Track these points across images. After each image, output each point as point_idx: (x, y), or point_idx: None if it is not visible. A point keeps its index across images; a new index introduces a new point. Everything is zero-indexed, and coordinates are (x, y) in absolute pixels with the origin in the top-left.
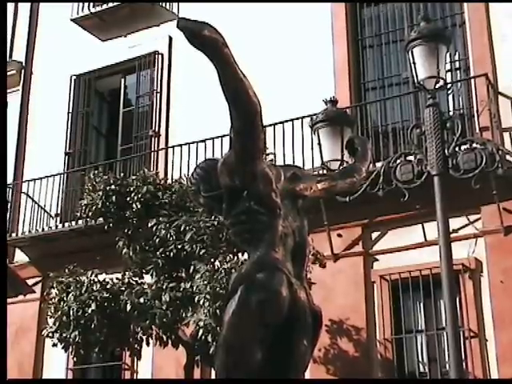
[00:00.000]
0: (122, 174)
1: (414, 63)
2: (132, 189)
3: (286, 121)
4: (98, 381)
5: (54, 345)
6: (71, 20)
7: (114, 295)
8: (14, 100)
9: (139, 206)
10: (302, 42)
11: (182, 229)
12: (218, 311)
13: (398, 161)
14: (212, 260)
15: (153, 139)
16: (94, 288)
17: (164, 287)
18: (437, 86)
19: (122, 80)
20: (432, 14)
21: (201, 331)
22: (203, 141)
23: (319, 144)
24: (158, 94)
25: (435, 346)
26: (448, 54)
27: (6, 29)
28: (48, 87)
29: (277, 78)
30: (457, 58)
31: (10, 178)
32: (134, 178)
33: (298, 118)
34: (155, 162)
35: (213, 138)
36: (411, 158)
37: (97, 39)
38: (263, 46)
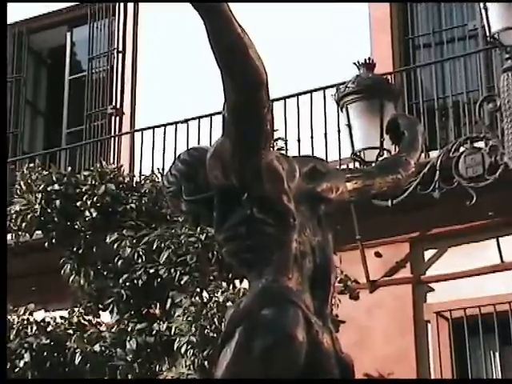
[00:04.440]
0: (69, 169)
1: (486, 9)
2: (84, 189)
3: (302, 93)
4: (98, 381)
5: None
6: None
7: (57, 341)
8: None
9: (94, 214)
10: None
11: (156, 246)
12: (206, 363)
13: (462, 149)
14: (198, 290)
15: (113, 119)
16: (29, 331)
17: (129, 329)
18: None
19: (68, 34)
20: None
21: None
22: (185, 121)
23: (348, 126)
24: (120, 55)
25: None
26: None
27: (5, 29)
28: None
29: (288, 34)
30: None
31: None
32: (86, 173)
33: (318, 89)
34: (117, 152)
35: (199, 118)
36: (481, 144)
37: None
38: None
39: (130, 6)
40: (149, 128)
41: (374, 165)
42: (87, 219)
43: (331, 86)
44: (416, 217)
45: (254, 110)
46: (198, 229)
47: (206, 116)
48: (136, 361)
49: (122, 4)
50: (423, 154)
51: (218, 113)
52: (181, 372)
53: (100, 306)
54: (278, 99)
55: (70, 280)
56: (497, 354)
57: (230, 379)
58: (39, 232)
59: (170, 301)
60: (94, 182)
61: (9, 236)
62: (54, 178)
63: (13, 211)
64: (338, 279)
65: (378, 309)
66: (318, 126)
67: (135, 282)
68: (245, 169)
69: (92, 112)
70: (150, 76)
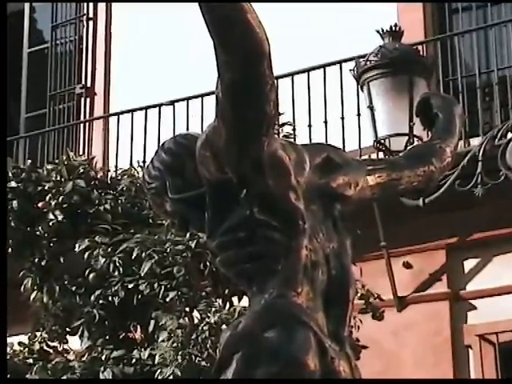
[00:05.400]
0: (28, 161)
1: None
2: (47, 187)
3: (314, 68)
4: (99, 381)
5: None
6: None
7: (15, 373)
8: None
9: (60, 217)
10: None
11: (135, 255)
12: None
13: (510, 135)
14: (187, 309)
15: (82, 101)
16: None
17: (104, 358)
18: None
19: None
20: None
21: None
22: (171, 103)
23: (370, 107)
24: (91, 23)
25: None
26: None
27: (5, 29)
28: None
29: None
30: None
31: None
32: (50, 167)
33: (333, 64)
34: (88, 141)
35: (187, 99)
36: None
37: None
38: None
39: None
40: (127, 111)
41: (401, 155)
42: (51, 223)
43: (349, 60)
44: (454, 219)
45: (255, 87)
46: (187, 234)
47: (196, 97)
48: None
49: None
50: (462, 142)
51: (211, 93)
52: None
53: (67, 329)
54: (284, 76)
55: (31, 298)
56: None
57: (230, 379)
58: None
59: (152, 322)
60: (59, 178)
61: None
62: (10, 174)
63: None
64: (359, 295)
65: (408, 331)
66: (333, 108)
67: (110, 299)
68: (243, 160)
69: (56, 92)
70: (128, 48)
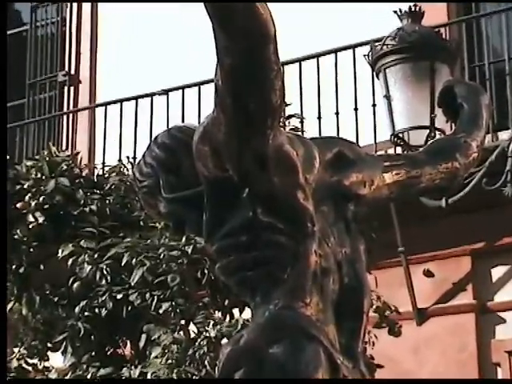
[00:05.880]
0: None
1: None
2: (27, 186)
3: (325, 53)
4: (98, 381)
5: None
6: None
7: None
8: None
9: (41, 220)
10: None
11: (125, 262)
12: None
13: None
14: (183, 322)
15: (66, 90)
16: None
17: (89, 376)
18: None
19: None
20: None
21: None
22: (165, 92)
23: (387, 97)
24: (75, 3)
25: None
26: None
27: (5, 29)
28: None
29: None
30: None
31: None
32: (29, 164)
33: (345, 48)
34: (72, 135)
35: (182, 88)
36: None
37: None
38: None
39: None
40: (115, 101)
41: (421, 150)
42: (31, 226)
43: (364, 44)
44: (480, 221)
45: (258, 74)
46: (183, 238)
47: (193, 85)
48: None
49: None
50: (489, 135)
51: (210, 81)
52: None
53: (49, 344)
54: (291, 61)
55: (8, 309)
56: None
57: (230, 379)
58: None
59: (144, 337)
60: (39, 176)
61: None
62: None
63: None
64: (374, 307)
65: (429, 347)
66: (346, 98)
67: (97, 311)
68: (245, 155)
69: (37, 80)
70: (117, 31)
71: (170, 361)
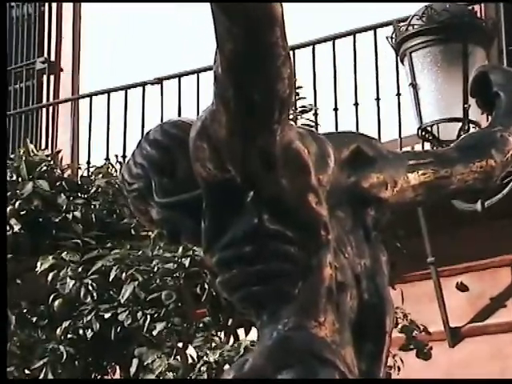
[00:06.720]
0: None
1: None
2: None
3: (341, 35)
4: (98, 381)
5: None
6: None
7: None
8: None
9: (17, 228)
10: None
11: (113, 277)
12: None
13: None
14: (180, 345)
15: (45, 79)
16: None
17: None
18: None
19: None
20: None
21: None
22: (158, 81)
23: (413, 85)
24: None
25: None
26: None
27: (5, 29)
28: None
29: None
30: None
31: None
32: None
33: (365, 30)
34: (52, 130)
35: (178, 76)
36: None
37: None
38: None
39: None
40: (101, 92)
41: (452, 146)
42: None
43: (386, 24)
44: None
45: (263, 61)
46: (179, 249)
47: (190, 73)
48: None
49: None
50: None
51: (208, 68)
52: None
53: (26, 370)
54: (303, 45)
55: None
56: None
57: (231, 379)
58: None
59: (135, 362)
60: (15, 178)
61: None
62: None
63: None
64: (400, 327)
65: (464, 372)
66: (366, 86)
67: (81, 333)
68: (250, 154)
69: (12, 68)
70: (103, 12)
71: None
